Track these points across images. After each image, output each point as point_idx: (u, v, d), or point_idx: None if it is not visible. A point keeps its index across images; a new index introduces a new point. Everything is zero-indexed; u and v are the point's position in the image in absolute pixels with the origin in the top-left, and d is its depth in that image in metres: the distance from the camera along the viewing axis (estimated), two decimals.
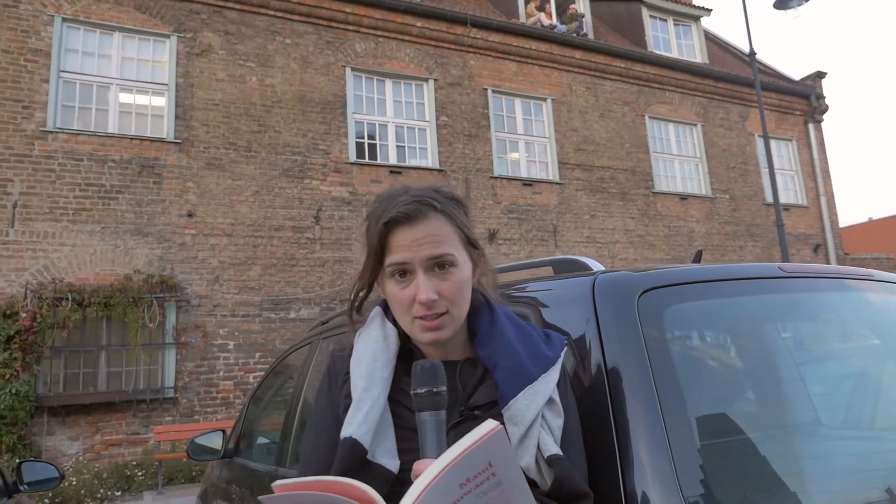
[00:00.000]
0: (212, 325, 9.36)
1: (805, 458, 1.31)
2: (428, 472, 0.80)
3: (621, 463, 1.08)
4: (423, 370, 0.98)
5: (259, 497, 0.89)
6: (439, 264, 1.09)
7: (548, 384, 1.07)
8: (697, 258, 1.84)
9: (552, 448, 1.02)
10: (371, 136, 11.34)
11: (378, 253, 1.12)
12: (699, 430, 1.13)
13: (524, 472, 1.00)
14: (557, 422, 1.06)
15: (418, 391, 0.97)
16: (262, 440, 3.18)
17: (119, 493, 7.97)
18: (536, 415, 1.03)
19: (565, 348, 1.15)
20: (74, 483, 7.58)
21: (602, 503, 1.07)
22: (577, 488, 1.01)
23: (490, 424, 0.81)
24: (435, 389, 0.96)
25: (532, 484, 1.01)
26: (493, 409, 1.08)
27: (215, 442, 3.20)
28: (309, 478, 0.87)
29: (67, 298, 8.33)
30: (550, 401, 1.06)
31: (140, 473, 8.24)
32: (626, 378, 1.13)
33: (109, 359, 8.76)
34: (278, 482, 0.86)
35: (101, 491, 7.74)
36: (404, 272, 1.10)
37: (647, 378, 1.11)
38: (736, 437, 1.19)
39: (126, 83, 9.68)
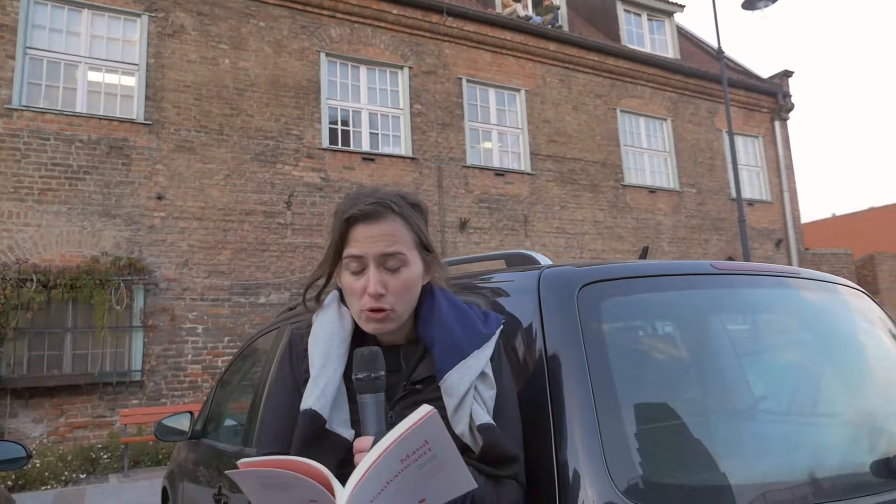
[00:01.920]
0: (180, 308, 9.33)
1: (733, 441, 1.43)
2: (372, 452, 0.91)
3: (555, 440, 1.20)
4: (362, 357, 1.08)
5: (226, 472, 0.99)
6: (390, 261, 1.20)
7: (480, 359, 1.19)
8: (644, 254, 1.96)
9: (483, 418, 1.14)
10: (345, 123, 11.33)
11: (338, 245, 1.24)
12: (628, 412, 1.24)
13: (460, 438, 1.13)
14: (490, 393, 1.17)
15: (359, 376, 1.08)
16: (229, 422, 3.24)
17: (84, 476, 7.95)
18: (469, 387, 1.15)
19: (501, 327, 1.26)
20: (38, 465, 7.54)
21: (536, 474, 1.19)
22: (504, 452, 1.14)
23: (425, 409, 0.92)
24: (374, 375, 1.07)
25: (467, 449, 1.13)
26: (433, 383, 1.19)
27: (183, 423, 3.26)
28: (271, 457, 0.98)
29: (32, 279, 8.24)
30: (483, 374, 1.18)
31: (105, 456, 8.22)
32: (563, 363, 1.24)
33: (75, 341, 8.69)
34: (243, 460, 0.96)
35: (66, 473, 7.71)
36: (358, 265, 1.21)
37: (581, 364, 1.23)
38: (664, 420, 1.31)
39: (95, 62, 9.53)
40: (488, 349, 1.21)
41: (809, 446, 1.52)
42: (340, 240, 1.23)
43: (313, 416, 1.14)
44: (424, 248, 1.27)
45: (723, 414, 1.44)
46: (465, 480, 0.99)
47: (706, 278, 1.50)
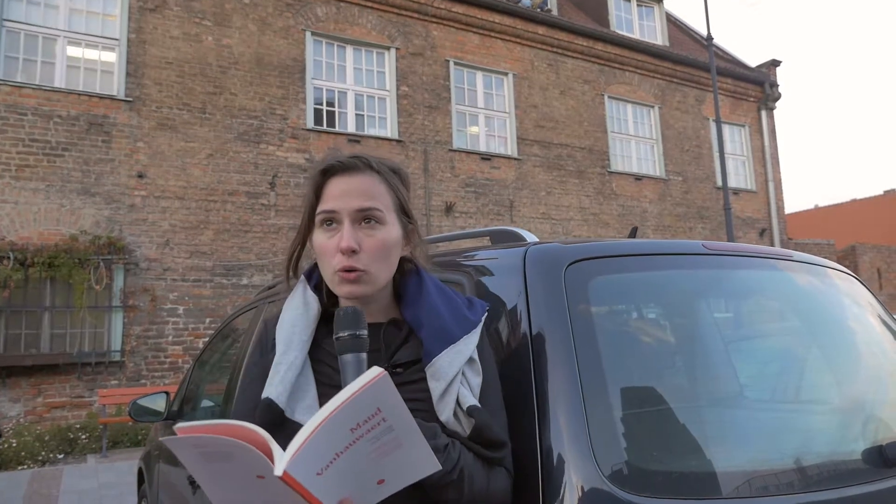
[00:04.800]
0: (161, 288, 9.20)
1: (721, 427, 1.39)
2: (315, 417, 0.83)
3: (539, 424, 1.14)
4: (345, 315, 1.03)
5: (161, 438, 0.91)
6: (366, 218, 1.14)
7: (469, 345, 1.14)
8: (633, 234, 1.92)
9: (471, 400, 1.09)
10: (330, 104, 11.18)
11: (312, 202, 1.18)
12: (616, 396, 1.19)
13: (444, 426, 1.07)
14: (476, 380, 1.13)
15: (340, 335, 1.03)
16: (206, 403, 3.18)
17: (62, 456, 7.85)
18: (457, 372, 1.10)
19: (486, 313, 1.21)
20: (15, 445, 7.44)
21: (520, 459, 1.14)
22: (495, 436, 1.09)
23: (375, 371, 0.84)
24: (357, 333, 1.02)
25: (454, 435, 1.08)
26: (414, 367, 1.14)
27: (158, 404, 3.19)
28: (210, 421, 0.88)
29: (9, 257, 8.08)
30: (471, 360, 1.13)
31: (84, 436, 8.13)
32: (549, 344, 1.19)
33: (53, 320, 8.55)
34: (180, 424, 0.87)
35: (43, 453, 7.61)
36: (332, 221, 1.15)
37: (568, 345, 1.17)
38: (652, 404, 1.27)
39: (74, 36, 9.30)
40: (475, 335, 1.16)
41: (799, 432, 1.49)
42: (315, 196, 1.17)
43: (269, 404, 1.09)
44: (404, 213, 1.21)
45: (712, 399, 1.40)
46: (428, 461, 0.92)
47: (697, 258, 1.45)
